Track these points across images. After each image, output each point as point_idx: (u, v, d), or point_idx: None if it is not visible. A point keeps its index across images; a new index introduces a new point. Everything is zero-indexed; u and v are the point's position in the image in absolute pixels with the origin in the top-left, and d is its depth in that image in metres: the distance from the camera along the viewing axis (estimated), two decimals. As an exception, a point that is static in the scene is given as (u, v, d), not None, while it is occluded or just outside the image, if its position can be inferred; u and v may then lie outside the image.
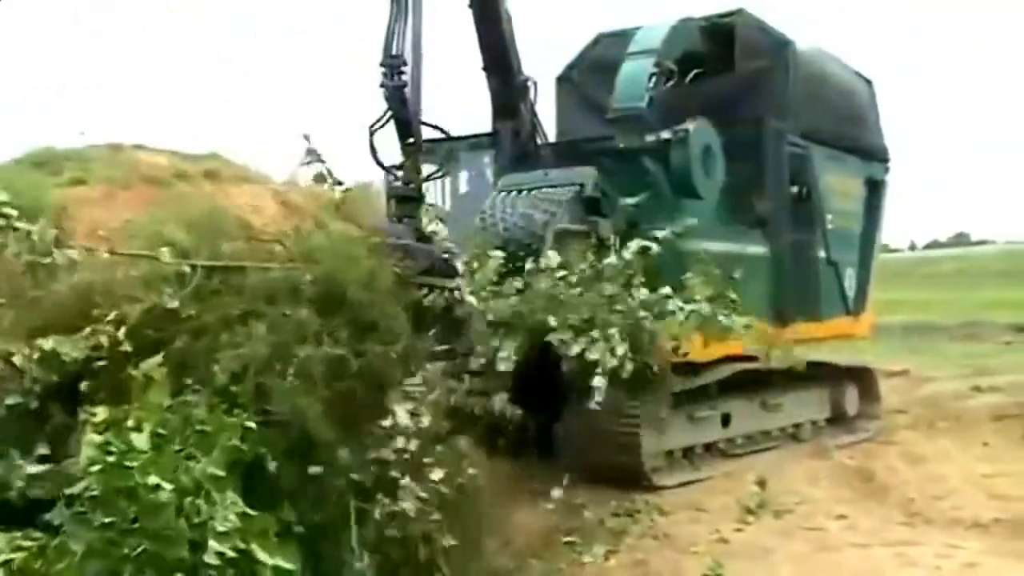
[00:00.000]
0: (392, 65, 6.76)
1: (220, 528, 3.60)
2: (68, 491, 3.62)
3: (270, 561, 3.74)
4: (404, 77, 6.75)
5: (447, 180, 10.30)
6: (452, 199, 10.37)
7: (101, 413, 3.75)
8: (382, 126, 7.01)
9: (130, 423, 3.73)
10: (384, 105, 6.70)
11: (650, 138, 8.69)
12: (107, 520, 3.50)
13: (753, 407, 9.81)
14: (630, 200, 8.63)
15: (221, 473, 3.72)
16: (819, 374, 10.82)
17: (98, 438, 3.66)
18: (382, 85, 6.81)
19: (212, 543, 3.53)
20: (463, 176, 10.43)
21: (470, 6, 8.79)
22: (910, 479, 8.98)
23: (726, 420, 9.39)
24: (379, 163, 7.13)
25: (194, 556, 3.54)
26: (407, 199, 6.69)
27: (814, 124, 10.32)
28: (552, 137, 10.33)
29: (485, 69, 9.36)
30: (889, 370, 14.15)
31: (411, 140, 7.05)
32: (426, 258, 5.88)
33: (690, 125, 8.59)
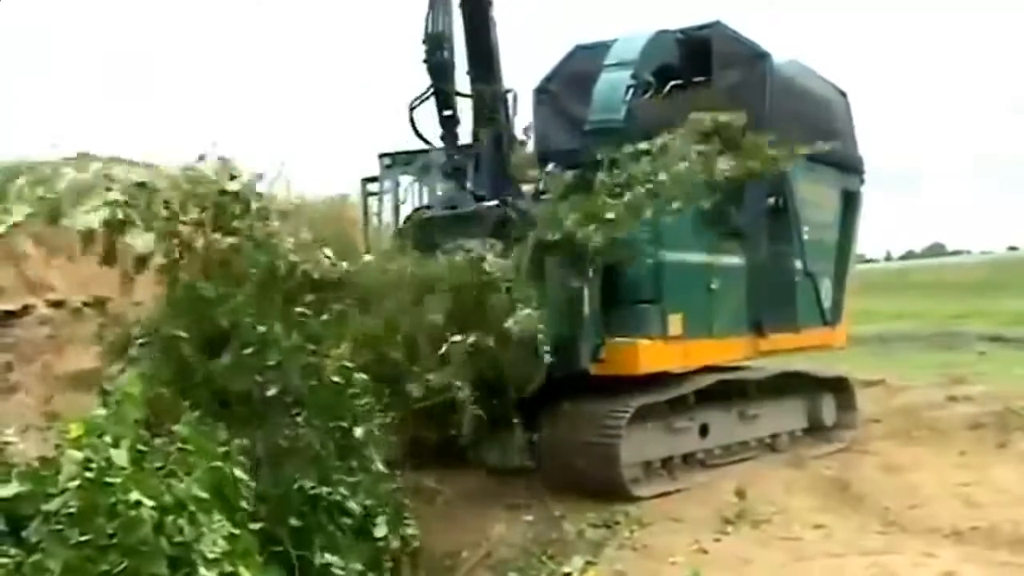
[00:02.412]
0: (434, 40, 8.25)
1: (209, 554, 3.57)
2: (46, 508, 3.59)
3: (257, 586, 3.71)
4: (446, 53, 8.16)
5: (426, 191, 10.31)
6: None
7: (76, 429, 3.73)
8: (423, 101, 8.61)
9: (108, 439, 3.71)
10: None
11: (628, 150, 8.71)
12: (84, 537, 3.48)
13: (731, 417, 9.84)
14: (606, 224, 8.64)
15: (204, 495, 3.70)
16: (796, 384, 10.89)
17: (78, 454, 3.63)
18: (425, 61, 8.30)
19: (202, 571, 3.50)
20: (441, 187, 10.42)
21: (461, 6, 8.85)
22: (886, 488, 9.03)
23: (704, 430, 9.41)
24: (420, 136, 8.76)
25: (173, 573, 3.51)
26: (456, 170, 8.51)
27: (790, 136, 10.37)
28: (530, 149, 10.35)
29: (470, 74, 9.40)
30: (865, 380, 14.23)
31: (450, 113, 8.64)
32: None
33: (668, 137, 8.61)
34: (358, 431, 4.91)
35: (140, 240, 5.11)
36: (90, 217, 5.01)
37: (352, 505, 4.83)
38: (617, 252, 8.07)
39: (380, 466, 5.11)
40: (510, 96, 9.71)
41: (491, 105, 9.43)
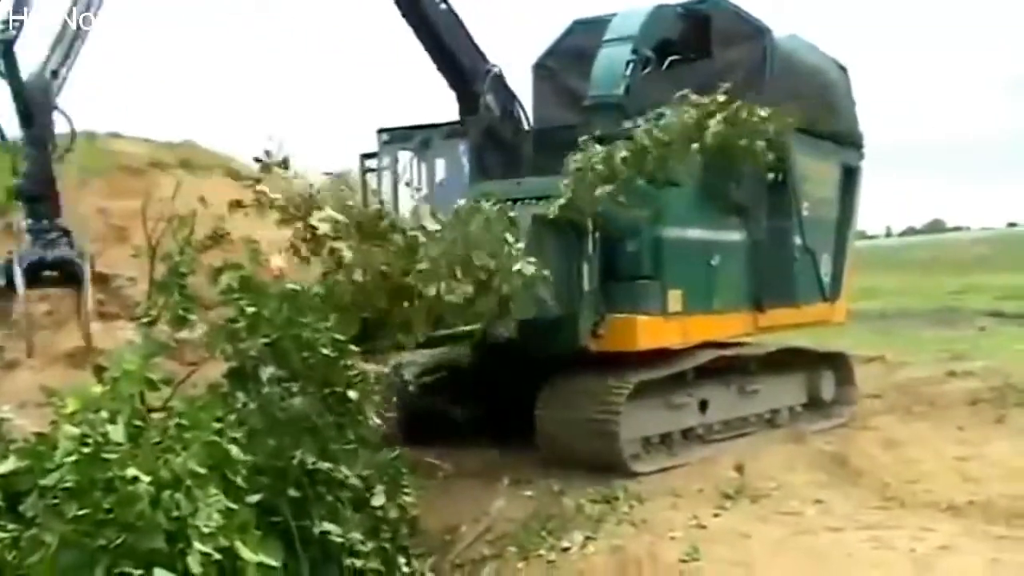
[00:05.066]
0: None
1: (204, 528, 3.58)
2: (42, 483, 3.60)
3: (254, 558, 3.72)
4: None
5: (424, 168, 10.28)
6: (429, 187, 10.35)
7: (73, 405, 3.73)
8: None
9: (104, 414, 3.72)
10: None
11: (627, 125, 8.68)
12: (81, 512, 3.49)
13: (730, 393, 9.85)
14: (607, 187, 8.62)
15: (202, 470, 3.71)
16: (795, 360, 10.89)
17: (74, 430, 3.63)
18: None
19: (197, 545, 3.51)
20: (440, 164, 10.41)
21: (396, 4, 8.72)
22: (885, 463, 9.05)
23: (704, 406, 9.42)
24: None
25: (171, 548, 3.52)
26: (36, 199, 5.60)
27: (790, 110, 10.33)
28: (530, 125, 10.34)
29: (437, 68, 9.33)
30: (865, 356, 14.26)
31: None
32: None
33: (666, 110, 8.57)
34: (352, 394, 4.91)
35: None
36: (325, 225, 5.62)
37: (349, 474, 4.85)
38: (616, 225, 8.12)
39: (373, 419, 5.11)
40: (497, 73, 9.65)
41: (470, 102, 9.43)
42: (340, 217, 5.75)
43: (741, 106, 8.49)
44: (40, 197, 5.32)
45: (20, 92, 5.19)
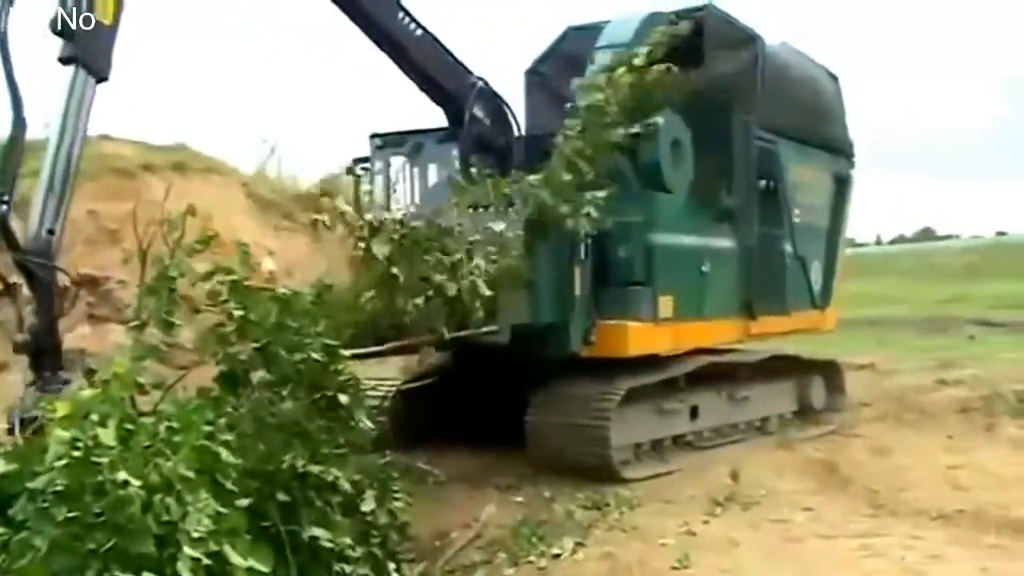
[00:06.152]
0: None
1: (194, 533, 3.57)
2: (32, 486, 3.58)
3: (244, 563, 3.70)
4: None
5: (416, 172, 10.27)
6: (422, 191, 10.34)
7: (63, 408, 3.72)
8: None
9: (94, 417, 3.70)
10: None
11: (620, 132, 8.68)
12: (71, 515, 3.47)
13: (721, 400, 9.86)
14: (599, 193, 8.62)
15: (192, 474, 3.69)
16: (786, 367, 10.91)
17: (65, 433, 3.61)
18: None
19: (186, 549, 3.49)
20: (432, 169, 10.40)
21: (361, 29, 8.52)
22: (875, 471, 9.05)
23: (694, 412, 9.43)
24: None
25: (161, 552, 3.51)
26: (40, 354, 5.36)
27: (781, 118, 10.37)
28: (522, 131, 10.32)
29: (419, 89, 9.27)
30: (855, 363, 14.28)
31: None
32: None
33: (659, 119, 8.59)
34: (342, 398, 4.90)
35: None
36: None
37: (339, 479, 4.83)
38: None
39: (366, 423, 5.08)
40: (481, 86, 9.57)
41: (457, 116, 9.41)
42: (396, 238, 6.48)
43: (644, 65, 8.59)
44: (44, 352, 5.31)
45: (22, 260, 5.19)
